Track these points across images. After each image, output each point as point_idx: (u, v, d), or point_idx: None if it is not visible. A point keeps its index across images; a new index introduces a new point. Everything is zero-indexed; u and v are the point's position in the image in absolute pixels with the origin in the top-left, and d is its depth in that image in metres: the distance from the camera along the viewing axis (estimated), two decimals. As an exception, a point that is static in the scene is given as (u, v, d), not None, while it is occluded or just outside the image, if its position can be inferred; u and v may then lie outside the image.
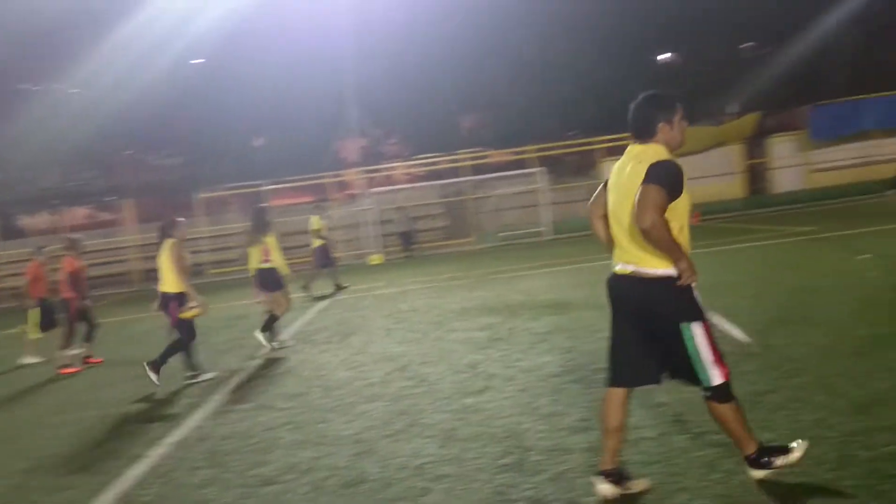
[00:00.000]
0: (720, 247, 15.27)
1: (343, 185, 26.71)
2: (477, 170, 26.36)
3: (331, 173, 26.40)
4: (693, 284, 3.65)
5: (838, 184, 25.33)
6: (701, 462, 4.22)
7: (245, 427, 6.19)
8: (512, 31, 27.57)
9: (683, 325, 3.67)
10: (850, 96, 26.09)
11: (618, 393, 3.93)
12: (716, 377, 3.67)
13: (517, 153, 26.83)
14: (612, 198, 3.85)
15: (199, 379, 8.20)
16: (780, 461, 3.80)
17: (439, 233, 26.52)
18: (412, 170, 28.52)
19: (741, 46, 32.56)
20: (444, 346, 8.43)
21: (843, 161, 25.93)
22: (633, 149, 3.81)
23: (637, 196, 3.53)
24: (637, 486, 3.93)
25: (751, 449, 3.81)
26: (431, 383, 6.81)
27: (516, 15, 27.50)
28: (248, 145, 31.79)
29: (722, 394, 3.73)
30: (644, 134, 3.76)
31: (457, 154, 26.34)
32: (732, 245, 15.45)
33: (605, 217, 3.97)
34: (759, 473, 3.82)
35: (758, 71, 29.87)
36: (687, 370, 3.72)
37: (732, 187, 26.24)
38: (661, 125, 3.73)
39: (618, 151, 26.53)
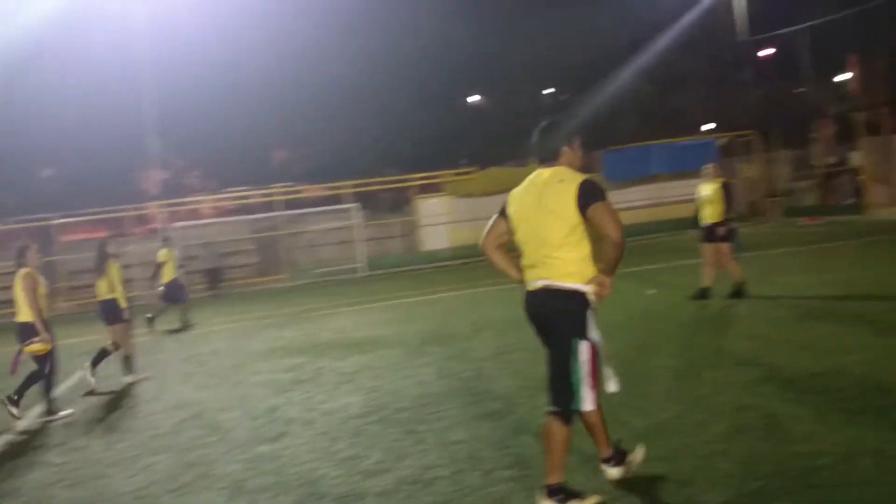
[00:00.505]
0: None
1: (143, 219, 25.20)
2: (290, 205, 25.88)
3: (130, 206, 24.87)
4: (593, 307, 3.87)
5: (632, 223, 27.23)
6: (492, 499, 4.23)
7: (13, 485, 5.55)
8: (327, 66, 27.54)
9: (574, 341, 3.84)
10: (641, 142, 28.28)
11: None
12: (587, 403, 3.88)
13: (332, 188, 26.64)
14: (528, 217, 4.02)
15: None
16: (572, 502, 3.90)
17: (250, 269, 25.66)
18: (220, 203, 27.47)
19: (543, 92, 34.56)
20: (244, 391, 8.04)
21: (635, 202, 27.93)
22: (543, 172, 4.05)
23: (596, 217, 3.82)
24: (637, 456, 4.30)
25: (556, 479, 3.94)
26: (226, 431, 6.43)
27: (332, 51, 27.53)
28: (35, 176, 29.36)
29: (572, 418, 3.93)
30: (550, 157, 4.07)
31: (269, 188, 25.74)
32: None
33: (502, 246, 4.21)
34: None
35: (558, 116, 31.73)
36: (560, 384, 3.87)
37: (538, 225, 27.46)
38: (564, 149, 4.08)
39: (432, 189, 27.20)
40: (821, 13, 28.09)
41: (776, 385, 5.84)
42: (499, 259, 4.21)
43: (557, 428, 3.90)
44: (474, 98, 33.94)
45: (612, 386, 3.98)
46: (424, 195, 26.64)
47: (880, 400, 5.19)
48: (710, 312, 9.61)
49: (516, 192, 4.15)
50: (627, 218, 27.39)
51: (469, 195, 26.62)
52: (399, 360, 8.67)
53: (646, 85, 30.30)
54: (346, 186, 25.83)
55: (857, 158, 25.73)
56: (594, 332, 3.88)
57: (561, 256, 3.87)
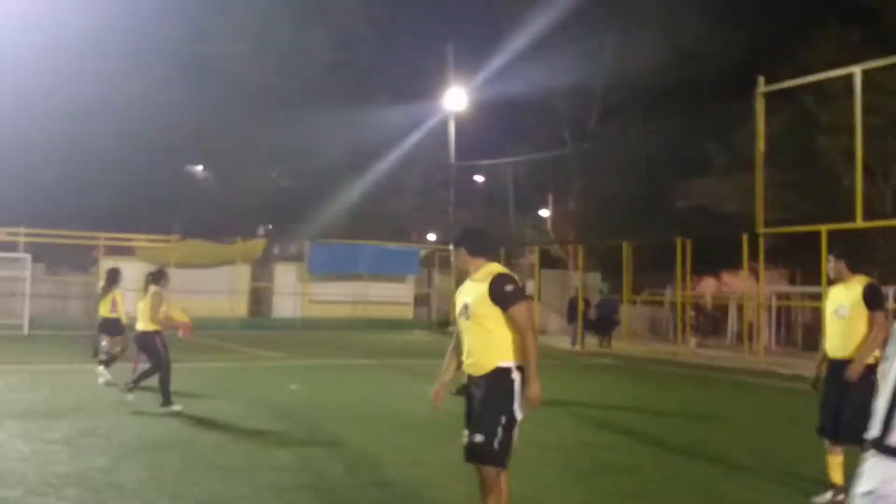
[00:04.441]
0: (193, 362, 15.23)
1: None
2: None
3: None
4: None
5: (329, 316, 27.57)
6: None
7: None
8: (25, 104, 25.19)
9: None
10: (348, 239, 29.03)
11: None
12: None
13: (9, 234, 24.09)
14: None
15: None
16: None
17: None
18: None
19: (272, 175, 34.55)
20: None
21: (336, 296, 28.39)
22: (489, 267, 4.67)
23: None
24: None
25: None
26: None
27: (36, 89, 25.41)
28: None
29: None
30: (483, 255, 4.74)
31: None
32: (203, 363, 15.43)
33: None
34: None
35: (281, 199, 31.82)
36: None
37: (235, 305, 26.85)
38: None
39: (122, 252, 25.53)
40: (526, 152, 31.22)
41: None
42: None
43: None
44: (195, 168, 33.06)
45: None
46: (113, 257, 25.02)
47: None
48: (320, 419, 9.73)
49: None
50: (327, 310, 27.88)
51: (164, 264, 25.43)
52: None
53: (360, 186, 31.38)
54: (22, 234, 23.51)
55: (530, 287, 28.32)
56: None
57: None
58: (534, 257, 32.03)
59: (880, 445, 1.54)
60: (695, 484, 6.75)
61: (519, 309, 4.43)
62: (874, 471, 1.53)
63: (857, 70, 16.16)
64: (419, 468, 6.87)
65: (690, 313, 23.32)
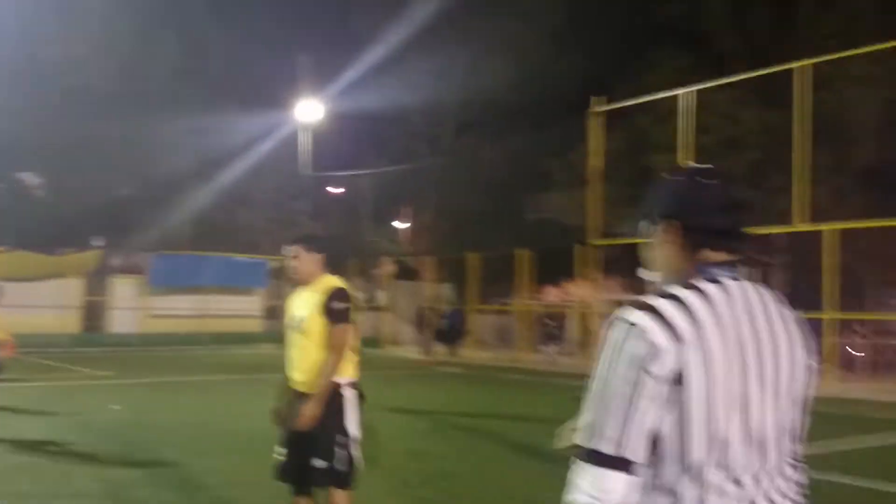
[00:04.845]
0: (7, 382, 14.10)
1: None
2: None
3: None
4: None
5: (172, 331, 26.32)
6: None
7: None
8: None
9: None
10: (193, 250, 27.87)
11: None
12: None
13: None
14: None
15: None
16: None
17: None
18: None
19: (112, 183, 32.62)
20: None
21: (178, 310, 27.14)
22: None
23: None
24: None
25: None
26: None
27: None
28: None
29: None
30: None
31: None
32: (20, 382, 14.27)
33: None
34: None
35: (121, 209, 30.20)
36: None
37: (66, 321, 25.15)
38: None
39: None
40: (383, 164, 31.25)
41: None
42: None
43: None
44: (26, 175, 30.81)
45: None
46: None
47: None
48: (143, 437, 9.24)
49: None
50: (170, 325, 26.56)
51: (-15, 277, 23.53)
52: None
53: (211, 197, 30.26)
54: None
55: (383, 298, 28.36)
56: None
57: None
58: (388, 268, 32.00)
59: (598, 455, 1.49)
60: (516, 488, 6.87)
61: (340, 328, 4.26)
62: (593, 481, 1.47)
63: (684, 91, 17.19)
64: (235, 490, 6.62)
65: (550, 323, 24.00)
